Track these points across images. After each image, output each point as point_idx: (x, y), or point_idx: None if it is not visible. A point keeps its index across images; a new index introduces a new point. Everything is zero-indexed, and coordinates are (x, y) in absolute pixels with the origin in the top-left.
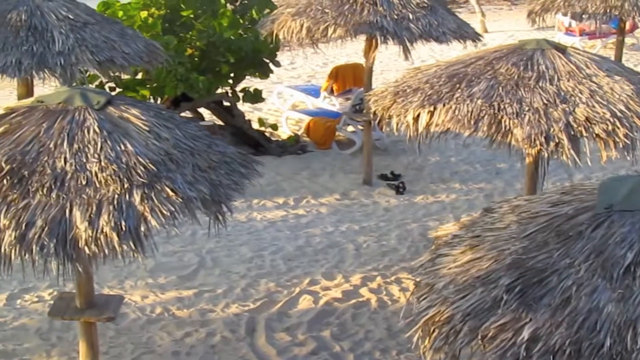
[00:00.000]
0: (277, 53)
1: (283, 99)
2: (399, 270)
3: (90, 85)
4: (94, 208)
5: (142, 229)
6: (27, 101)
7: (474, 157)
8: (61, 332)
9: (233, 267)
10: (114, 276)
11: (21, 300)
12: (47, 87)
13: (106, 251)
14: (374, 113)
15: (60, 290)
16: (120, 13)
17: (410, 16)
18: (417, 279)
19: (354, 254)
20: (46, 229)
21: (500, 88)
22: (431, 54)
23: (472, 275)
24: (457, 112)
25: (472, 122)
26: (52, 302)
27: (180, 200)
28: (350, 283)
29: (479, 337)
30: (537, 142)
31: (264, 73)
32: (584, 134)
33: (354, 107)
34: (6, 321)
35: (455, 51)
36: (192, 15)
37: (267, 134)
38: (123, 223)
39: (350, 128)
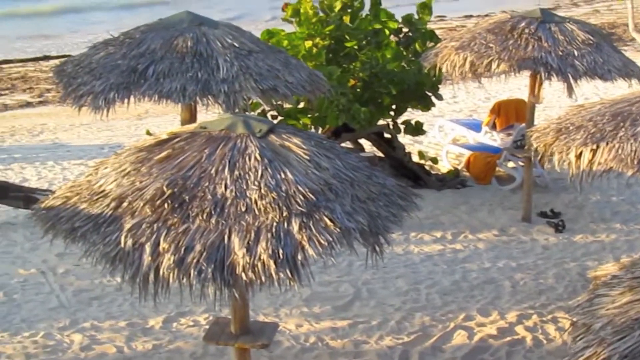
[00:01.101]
0: (440, 86)
1: (444, 133)
2: (555, 309)
3: (252, 113)
4: (253, 235)
5: (299, 257)
6: (191, 127)
7: (636, 197)
8: (215, 357)
9: (388, 300)
10: (269, 303)
11: (177, 323)
12: (210, 114)
13: (263, 278)
14: (536, 150)
15: (216, 315)
16: (285, 42)
17: (576, 53)
18: (574, 319)
19: (510, 291)
20: (204, 253)
21: None
22: (595, 92)
23: (630, 317)
24: (620, 151)
25: (636, 162)
26: (207, 326)
27: (338, 230)
28: (505, 320)
29: None
30: None
31: (426, 106)
32: None
33: (516, 143)
34: (162, 344)
35: (620, 89)
36: (356, 47)
37: (427, 167)
38: (280, 251)
39: (510, 164)
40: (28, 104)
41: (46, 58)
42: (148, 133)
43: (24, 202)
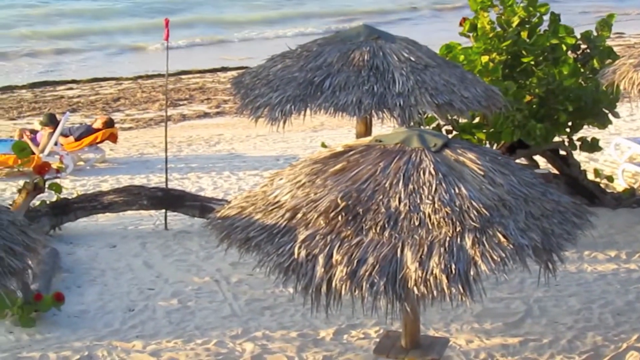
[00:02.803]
0: (617, 104)
1: (620, 151)
2: None
3: (427, 127)
4: (425, 249)
5: (472, 273)
6: (366, 140)
7: None
8: None
9: (560, 318)
10: (440, 318)
11: (348, 335)
12: (384, 127)
13: (435, 293)
14: None
15: (387, 328)
16: (462, 57)
17: None
18: None
19: None
20: (377, 266)
21: None
22: None
23: None
24: None
25: None
26: (377, 339)
27: (512, 246)
28: None
29: None
30: None
31: (603, 123)
32: None
33: None
34: (332, 355)
35: None
36: (532, 62)
37: (602, 186)
38: (453, 266)
39: None
40: (205, 115)
41: (224, 69)
42: (323, 145)
43: (200, 211)
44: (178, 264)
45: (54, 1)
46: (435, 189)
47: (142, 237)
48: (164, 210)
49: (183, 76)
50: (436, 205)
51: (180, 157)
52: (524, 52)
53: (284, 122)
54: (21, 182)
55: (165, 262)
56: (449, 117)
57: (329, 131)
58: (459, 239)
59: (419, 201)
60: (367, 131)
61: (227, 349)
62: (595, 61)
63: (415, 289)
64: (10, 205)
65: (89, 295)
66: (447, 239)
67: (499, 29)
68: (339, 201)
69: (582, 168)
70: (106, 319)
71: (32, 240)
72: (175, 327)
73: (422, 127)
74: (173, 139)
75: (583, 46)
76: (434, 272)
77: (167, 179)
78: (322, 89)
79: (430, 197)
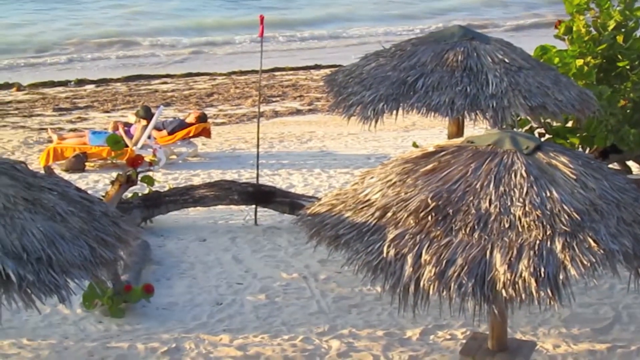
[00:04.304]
0: None
1: None
2: None
3: (519, 130)
4: (515, 252)
5: (561, 277)
6: (457, 140)
7: None
8: None
9: None
10: (527, 322)
11: (434, 336)
12: (476, 129)
13: (523, 296)
14: None
15: (474, 330)
16: (556, 59)
17: None
18: None
19: None
20: (465, 268)
21: None
22: None
23: None
24: None
25: None
26: (464, 341)
27: (602, 252)
28: None
29: None
30: None
31: None
32: None
33: None
34: (418, 355)
35: None
36: (628, 67)
37: None
38: (542, 269)
39: None
40: (298, 112)
41: (317, 67)
42: (415, 145)
43: (290, 208)
44: (267, 259)
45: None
46: (527, 191)
47: (232, 232)
48: (254, 206)
49: (276, 73)
50: (527, 208)
51: (272, 154)
52: (619, 56)
53: (376, 121)
54: (114, 174)
55: (254, 257)
56: (542, 120)
57: (420, 131)
58: (549, 243)
59: (509, 203)
60: (459, 132)
61: (313, 346)
62: None
63: (503, 291)
64: (103, 196)
65: (178, 288)
66: (537, 242)
67: (594, 32)
68: (430, 201)
69: None
70: (194, 312)
71: (124, 232)
72: (262, 322)
73: (514, 129)
74: (265, 135)
75: None
76: (522, 275)
77: (258, 175)
78: (415, 89)
79: (521, 200)
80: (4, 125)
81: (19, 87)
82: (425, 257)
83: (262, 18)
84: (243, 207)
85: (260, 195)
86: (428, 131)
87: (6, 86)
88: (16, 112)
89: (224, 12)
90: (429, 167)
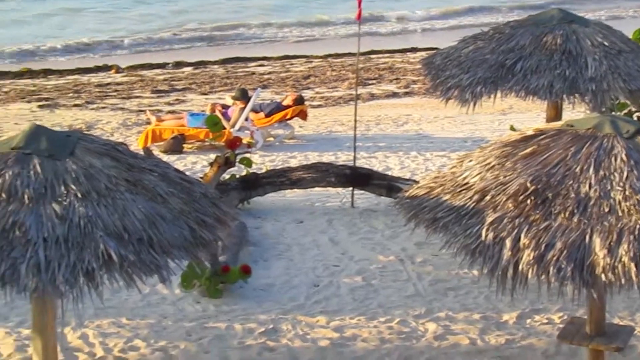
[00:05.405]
0: None
1: None
2: None
3: (619, 113)
4: (615, 236)
5: None
6: (556, 124)
7: None
8: (567, 356)
9: None
10: (625, 307)
11: (531, 320)
12: (575, 112)
13: (622, 281)
14: None
15: (571, 314)
16: None
17: None
18: None
19: None
20: (564, 252)
21: None
22: None
23: None
24: None
25: None
26: (561, 325)
27: None
28: None
29: None
30: None
31: None
32: None
33: None
34: (514, 339)
35: None
36: None
37: None
38: None
39: None
40: (394, 94)
41: (413, 50)
42: (512, 128)
43: (387, 190)
44: (363, 242)
45: None
46: (627, 176)
47: (328, 214)
48: (351, 188)
49: (372, 56)
50: (627, 193)
51: (368, 136)
52: None
53: (474, 104)
54: (212, 156)
55: (350, 239)
56: None
57: (517, 114)
58: None
59: (609, 188)
60: (557, 116)
61: (409, 328)
62: None
63: (603, 275)
64: (201, 178)
65: (275, 269)
66: (637, 226)
67: None
68: (529, 185)
69: None
70: (291, 293)
71: (223, 213)
72: (358, 304)
73: (613, 113)
74: (361, 118)
75: None
76: (622, 259)
77: (355, 157)
78: (514, 72)
79: (621, 184)
80: (103, 107)
81: (117, 70)
82: (524, 240)
83: (359, 1)
84: (340, 189)
85: (357, 178)
86: (525, 114)
87: (105, 68)
88: (115, 94)
89: None
90: (528, 150)
